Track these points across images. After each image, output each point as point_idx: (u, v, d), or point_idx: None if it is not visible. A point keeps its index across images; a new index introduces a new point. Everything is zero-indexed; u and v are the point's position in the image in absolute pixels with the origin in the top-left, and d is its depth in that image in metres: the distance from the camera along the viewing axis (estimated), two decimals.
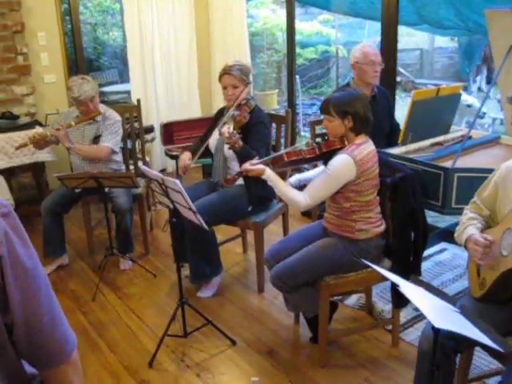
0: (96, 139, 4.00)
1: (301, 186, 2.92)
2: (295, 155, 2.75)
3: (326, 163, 2.72)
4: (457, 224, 3.19)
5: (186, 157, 3.62)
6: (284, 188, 2.75)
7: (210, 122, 3.87)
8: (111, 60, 8.91)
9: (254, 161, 2.87)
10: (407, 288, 1.89)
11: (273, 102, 8.92)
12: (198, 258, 3.51)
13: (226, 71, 3.54)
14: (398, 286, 1.89)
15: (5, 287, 1.05)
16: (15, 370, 1.19)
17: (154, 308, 3.57)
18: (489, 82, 9.65)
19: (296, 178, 3.01)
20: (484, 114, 7.26)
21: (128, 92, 6.37)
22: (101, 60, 8.73)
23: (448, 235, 3.73)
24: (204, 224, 2.79)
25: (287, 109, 4.01)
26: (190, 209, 2.73)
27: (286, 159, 2.76)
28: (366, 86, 3.72)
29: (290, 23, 5.38)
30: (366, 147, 2.66)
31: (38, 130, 4.75)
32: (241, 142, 3.26)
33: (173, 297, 3.61)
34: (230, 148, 3.31)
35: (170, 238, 3.51)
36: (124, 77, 8.73)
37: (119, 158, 4.19)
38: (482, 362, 2.76)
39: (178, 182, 2.63)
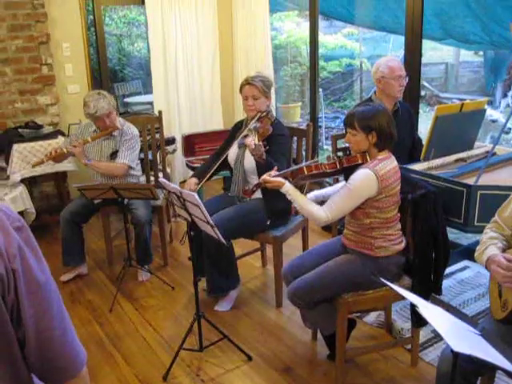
0: (113, 154, 4.00)
1: (318, 202, 2.88)
2: (316, 169, 2.72)
3: (346, 178, 2.68)
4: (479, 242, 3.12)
5: (192, 182, 3.63)
6: (303, 202, 2.72)
7: (227, 135, 3.87)
8: (135, 71, 8.99)
9: (273, 172, 2.85)
10: (426, 308, 1.84)
11: (296, 115, 8.91)
12: (215, 271, 3.49)
13: (247, 81, 3.54)
14: (416, 306, 1.84)
15: (18, 301, 1.05)
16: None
17: (170, 321, 3.55)
18: None
19: (313, 194, 2.97)
20: (510, 129, 7.15)
21: (151, 103, 6.40)
22: (125, 71, 8.81)
23: (470, 253, 3.64)
24: (221, 238, 2.77)
25: (309, 122, 3.98)
26: (208, 222, 2.71)
27: (306, 172, 2.73)
28: (389, 100, 3.69)
29: (314, 36, 5.35)
30: (388, 163, 2.61)
31: (60, 140, 4.79)
32: (265, 155, 3.25)
33: (190, 310, 3.59)
34: (256, 160, 3.29)
35: (189, 251, 3.50)
36: (148, 88, 8.81)
37: (137, 172, 4.18)
38: None
39: (195, 195, 2.61)
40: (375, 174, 2.54)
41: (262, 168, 3.30)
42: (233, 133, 3.79)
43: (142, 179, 4.32)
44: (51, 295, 1.11)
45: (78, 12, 5.36)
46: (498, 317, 2.19)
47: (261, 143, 3.20)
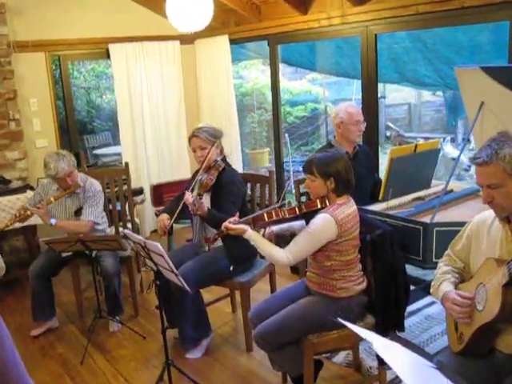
0: (78, 212, 4.02)
1: (284, 234, 2.97)
2: (276, 215, 2.80)
3: (307, 222, 2.76)
4: None
5: (164, 217, 3.65)
6: (266, 246, 2.79)
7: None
8: (104, 123, 9.10)
9: (234, 219, 2.92)
10: (381, 346, 1.90)
11: (264, 161, 9.03)
12: (185, 322, 3.51)
13: (194, 134, 3.61)
14: (371, 344, 1.90)
15: None
16: None
17: (142, 370, 3.54)
18: None
19: (279, 226, 3.04)
20: (469, 166, 7.36)
21: (121, 154, 6.46)
22: (94, 123, 8.92)
23: None
24: (186, 286, 2.81)
25: (270, 169, 4.08)
26: (172, 271, 2.75)
27: (266, 219, 2.81)
28: (348, 143, 3.81)
29: (275, 83, 5.52)
30: (347, 208, 2.71)
31: (29, 194, 4.81)
32: (205, 208, 3.30)
33: (162, 359, 3.53)
34: (194, 215, 3.34)
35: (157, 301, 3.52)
36: (117, 139, 8.89)
37: (103, 225, 4.19)
38: None
39: (159, 245, 2.67)
40: (334, 219, 2.63)
41: (206, 221, 3.37)
42: (192, 180, 3.85)
43: (109, 231, 4.35)
44: (1, 331, 1.17)
45: (44, 68, 5.47)
46: (456, 349, 2.27)
47: (197, 197, 3.24)
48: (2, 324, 1.19)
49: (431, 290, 2.39)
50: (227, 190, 3.49)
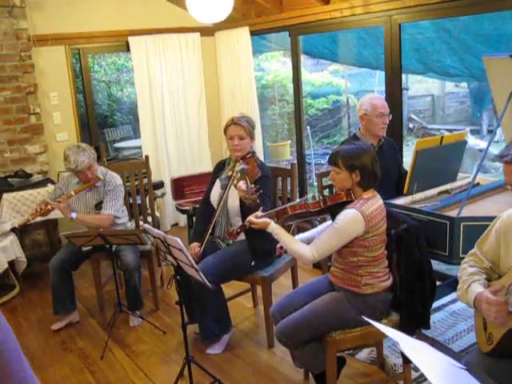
0: (98, 205, 4.00)
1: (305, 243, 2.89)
2: (300, 208, 2.74)
3: (333, 216, 2.69)
4: None
5: (194, 245, 3.60)
6: (290, 242, 2.73)
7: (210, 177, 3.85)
8: (125, 116, 9.09)
9: (259, 213, 2.86)
10: (408, 346, 1.83)
11: (286, 154, 8.91)
12: (206, 317, 3.47)
13: (233, 121, 3.51)
14: (398, 344, 1.83)
15: None
16: None
17: (162, 366, 3.51)
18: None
19: (300, 236, 2.95)
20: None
21: (141, 147, 6.46)
22: (115, 116, 8.91)
23: None
24: (207, 282, 2.76)
25: (292, 162, 4.00)
26: (192, 266, 2.71)
27: (290, 212, 2.75)
28: (373, 136, 3.72)
29: (297, 75, 5.44)
30: (374, 202, 2.64)
31: (50, 188, 4.81)
32: (256, 196, 3.07)
33: (182, 354, 3.51)
34: (249, 204, 3.11)
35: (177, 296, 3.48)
36: (138, 132, 8.91)
37: (124, 219, 4.17)
38: None
39: (178, 240, 2.62)
40: (362, 214, 2.56)
41: (248, 210, 3.28)
42: (215, 174, 3.78)
43: (130, 225, 4.32)
44: (10, 354, 1.05)
45: (64, 61, 5.46)
46: (485, 350, 2.18)
47: (252, 186, 3.05)
48: (11, 345, 1.05)
49: (458, 294, 2.26)
50: (263, 184, 3.28)
